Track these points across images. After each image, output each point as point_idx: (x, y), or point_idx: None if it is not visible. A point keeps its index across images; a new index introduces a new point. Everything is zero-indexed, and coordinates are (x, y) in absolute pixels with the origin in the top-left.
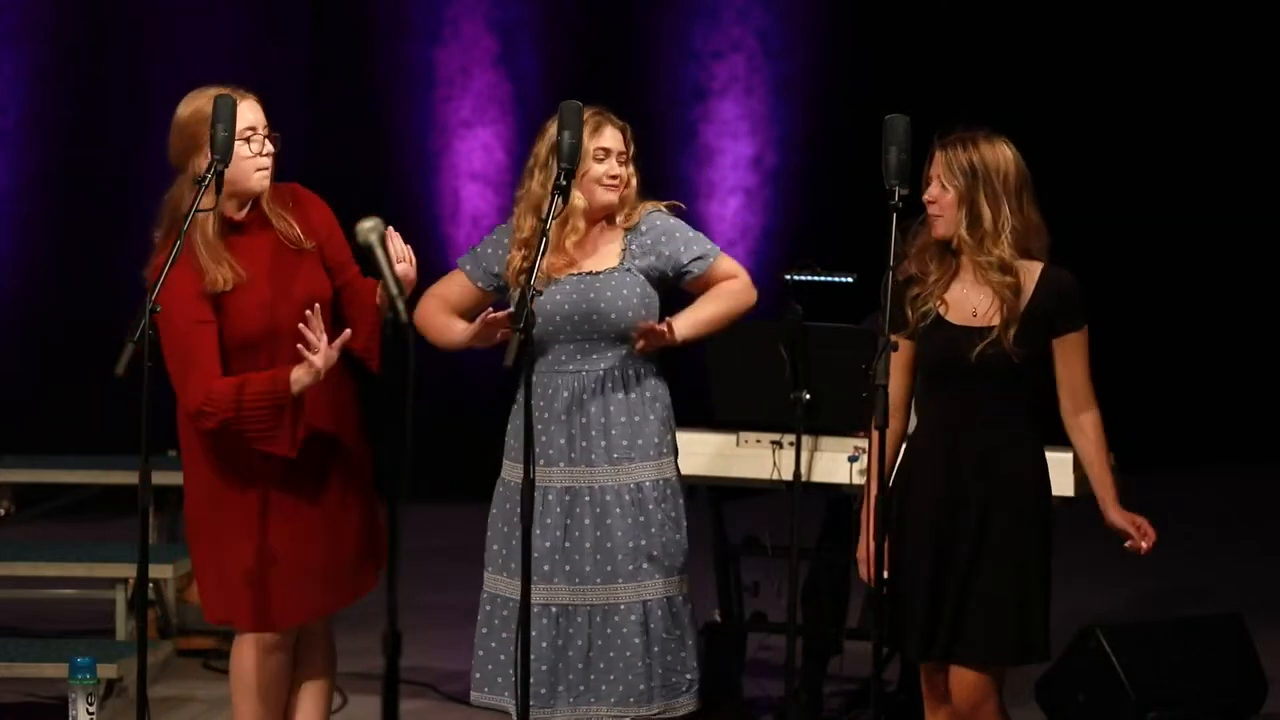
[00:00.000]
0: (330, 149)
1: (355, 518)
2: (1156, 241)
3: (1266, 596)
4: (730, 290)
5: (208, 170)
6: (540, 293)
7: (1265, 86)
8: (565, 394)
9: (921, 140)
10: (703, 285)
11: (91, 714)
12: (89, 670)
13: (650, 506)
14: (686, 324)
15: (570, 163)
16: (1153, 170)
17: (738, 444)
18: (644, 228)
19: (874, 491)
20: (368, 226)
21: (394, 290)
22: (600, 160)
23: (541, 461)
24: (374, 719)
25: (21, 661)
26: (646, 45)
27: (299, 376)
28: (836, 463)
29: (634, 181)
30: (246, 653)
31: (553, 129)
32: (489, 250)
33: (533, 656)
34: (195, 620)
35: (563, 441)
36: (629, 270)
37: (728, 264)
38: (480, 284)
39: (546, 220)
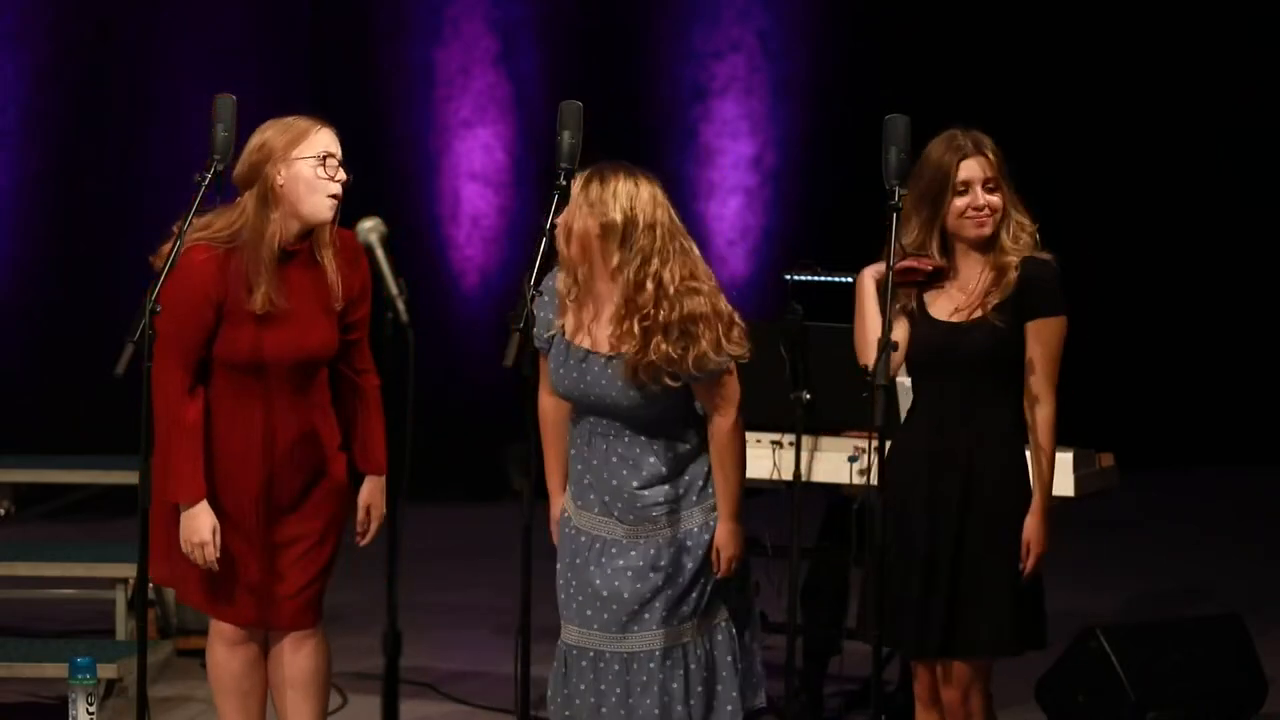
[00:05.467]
0: None
1: (290, 558)
2: (1156, 242)
3: (1266, 596)
4: (729, 456)
5: (207, 169)
6: (542, 293)
7: (1266, 96)
8: (604, 447)
9: (922, 140)
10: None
11: (91, 714)
12: (89, 670)
13: (685, 555)
14: (732, 535)
15: (570, 162)
16: (1154, 170)
17: None
18: None
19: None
20: (368, 226)
21: (393, 290)
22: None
23: (595, 510)
24: (374, 719)
25: (21, 661)
26: (646, 45)
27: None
28: (836, 463)
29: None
30: (212, 650)
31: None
32: (540, 314)
33: (577, 701)
34: (195, 620)
35: (607, 499)
36: None
37: (724, 387)
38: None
39: (548, 221)
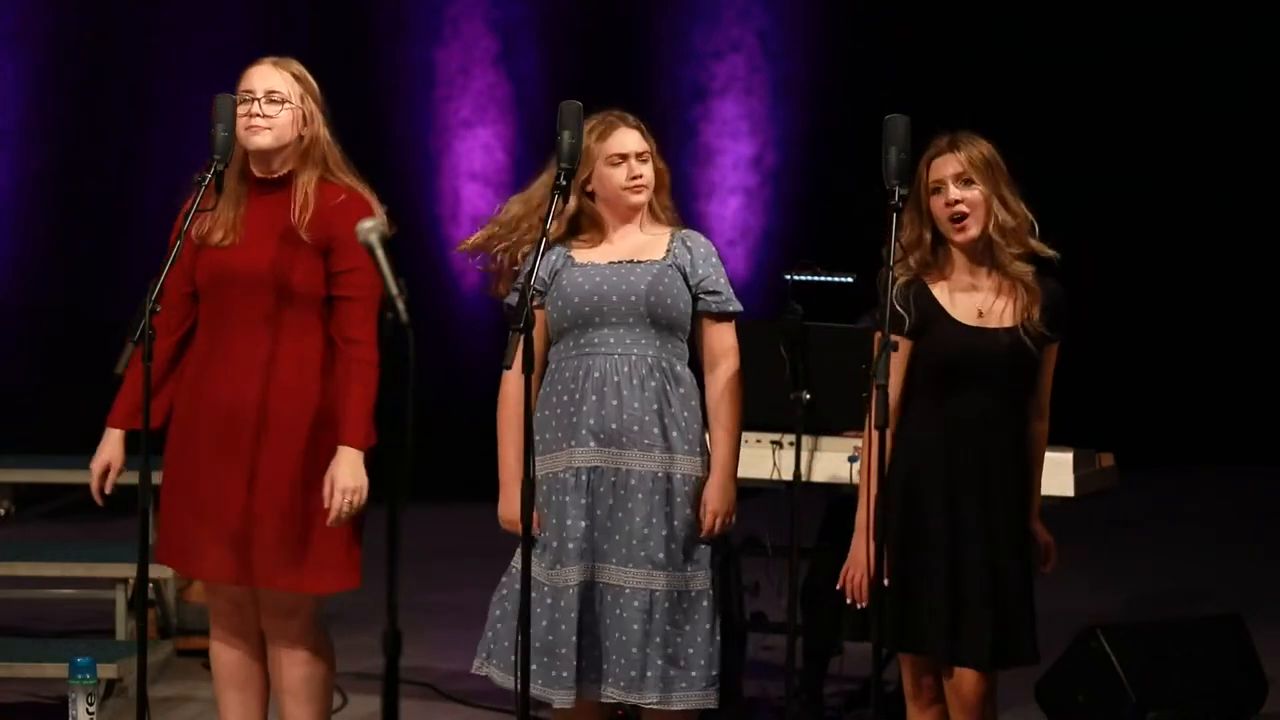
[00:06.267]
0: None
1: (275, 507)
2: (1157, 242)
3: (1266, 596)
4: (733, 405)
5: (207, 169)
6: (541, 293)
7: (1267, 97)
8: (596, 374)
9: (922, 140)
10: (700, 329)
11: (91, 714)
12: (89, 670)
13: (678, 499)
14: (722, 490)
15: (570, 163)
16: (1155, 170)
17: None
18: (689, 241)
19: (873, 492)
20: (368, 226)
21: (393, 291)
22: (617, 165)
23: (572, 443)
24: (374, 719)
25: (21, 661)
26: (646, 45)
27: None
28: (836, 463)
29: (665, 178)
30: (212, 646)
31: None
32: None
33: (549, 638)
34: (195, 620)
35: (593, 422)
36: (671, 266)
37: (729, 336)
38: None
39: (548, 220)
